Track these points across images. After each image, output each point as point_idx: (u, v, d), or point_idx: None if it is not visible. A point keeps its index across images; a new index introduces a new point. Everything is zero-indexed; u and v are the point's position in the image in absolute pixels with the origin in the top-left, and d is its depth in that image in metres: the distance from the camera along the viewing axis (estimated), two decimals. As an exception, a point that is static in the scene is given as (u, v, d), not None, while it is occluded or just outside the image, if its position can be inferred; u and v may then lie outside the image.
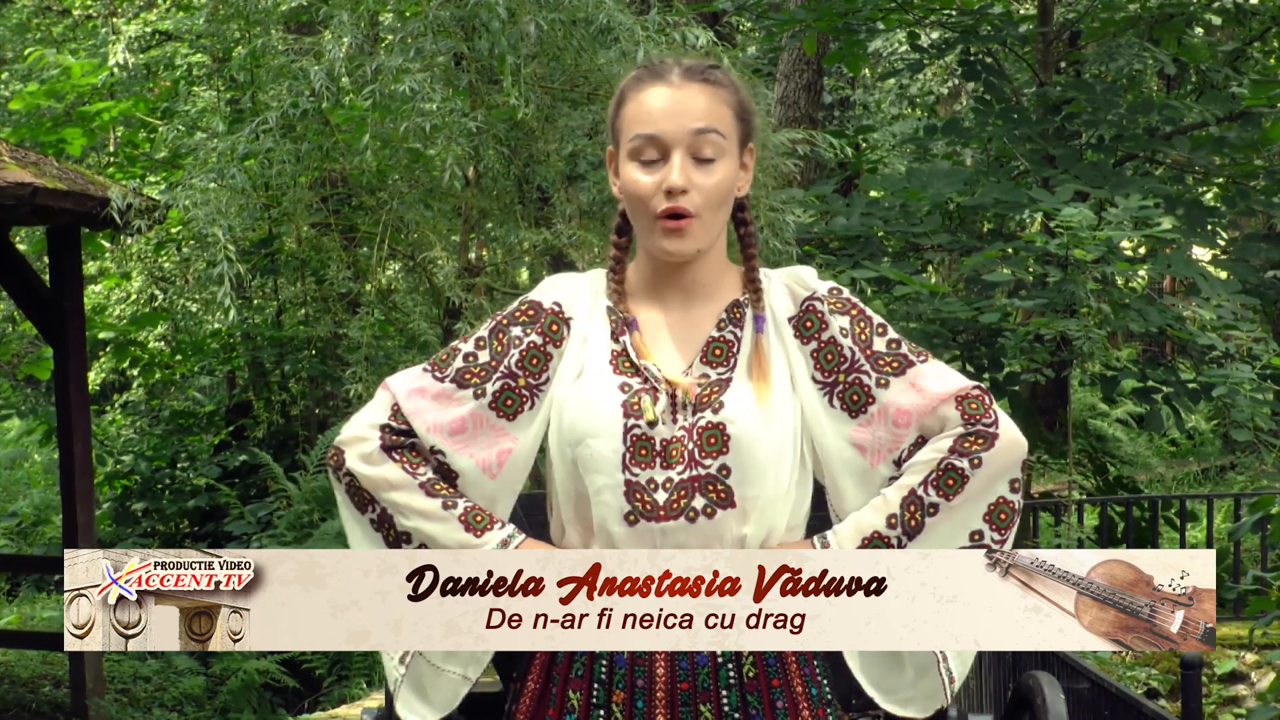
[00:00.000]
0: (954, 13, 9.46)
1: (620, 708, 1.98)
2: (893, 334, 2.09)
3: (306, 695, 7.45)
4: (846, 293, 2.11)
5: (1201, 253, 11.65)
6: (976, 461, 2.02)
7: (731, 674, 2.00)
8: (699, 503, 1.99)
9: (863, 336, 2.07)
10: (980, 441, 2.03)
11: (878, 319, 2.09)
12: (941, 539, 2.04)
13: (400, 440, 2.05)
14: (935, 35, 10.55)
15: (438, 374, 2.07)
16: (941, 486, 2.02)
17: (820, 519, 2.11)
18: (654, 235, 2.02)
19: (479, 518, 2.03)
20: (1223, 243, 9.61)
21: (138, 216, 6.17)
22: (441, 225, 7.46)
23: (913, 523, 2.02)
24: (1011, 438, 2.05)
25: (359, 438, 2.06)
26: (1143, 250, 8.43)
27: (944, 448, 2.03)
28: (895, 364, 2.06)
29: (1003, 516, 2.06)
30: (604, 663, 2.00)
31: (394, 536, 2.05)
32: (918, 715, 2.12)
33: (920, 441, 2.06)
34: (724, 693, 1.99)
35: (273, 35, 7.22)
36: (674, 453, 2.00)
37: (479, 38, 6.13)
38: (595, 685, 2.00)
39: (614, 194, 2.11)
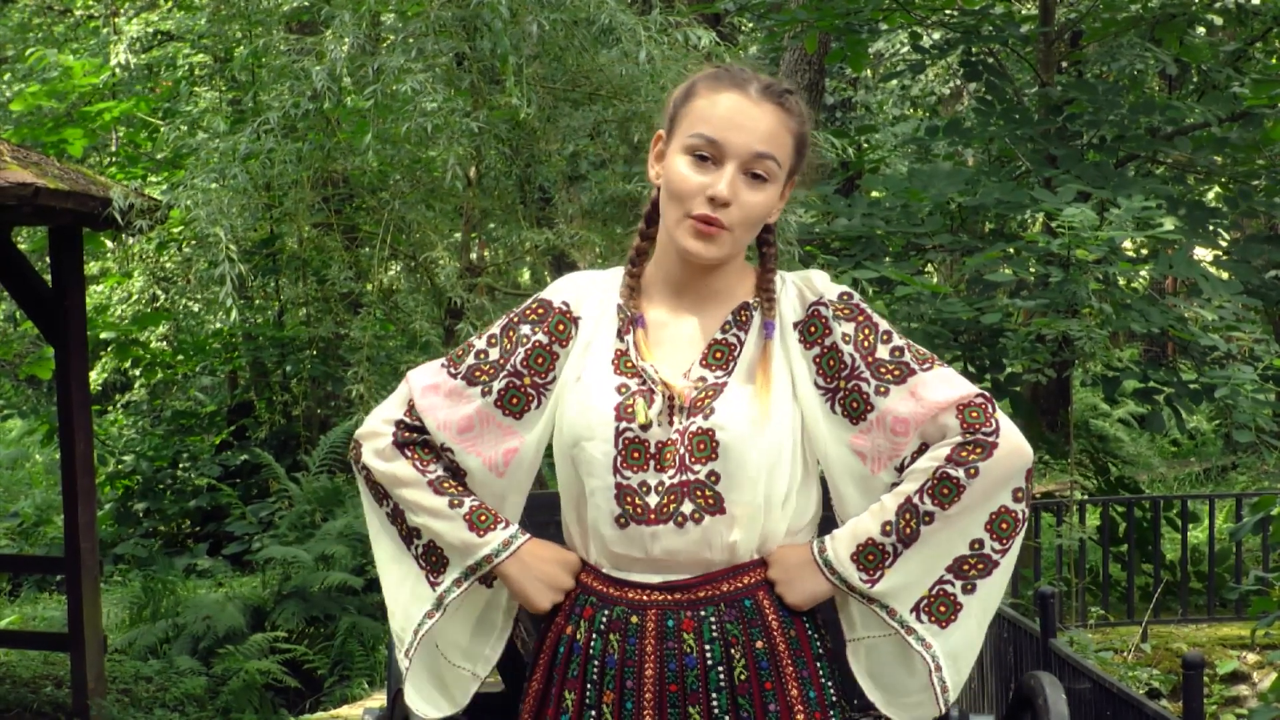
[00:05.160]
0: (955, 13, 9.45)
1: (610, 708, 1.98)
2: (898, 341, 2.06)
3: (308, 695, 7.45)
4: (857, 298, 2.09)
5: (1203, 253, 11.63)
6: (973, 471, 2.00)
7: (722, 677, 1.99)
8: (687, 508, 1.99)
9: (866, 343, 2.05)
10: (978, 451, 2.01)
11: (884, 325, 2.07)
12: (939, 547, 2.03)
13: (413, 437, 2.07)
14: (937, 36, 10.54)
15: (452, 370, 2.08)
16: (937, 495, 2.01)
17: (828, 520, 2.11)
18: (682, 231, 2.01)
19: (483, 517, 2.04)
20: (1224, 243, 9.59)
21: (139, 216, 6.17)
22: (443, 225, 7.45)
23: (908, 530, 2.01)
24: (1013, 446, 2.03)
25: (375, 432, 2.09)
26: (1144, 251, 8.41)
27: (941, 456, 2.02)
28: (896, 372, 2.04)
29: (1004, 526, 2.04)
30: (596, 663, 2.00)
31: (405, 531, 2.09)
32: None
33: (924, 449, 2.05)
34: (714, 695, 1.99)
35: (274, 35, 7.22)
36: (668, 456, 2.00)
37: (481, 38, 6.12)
38: (588, 685, 2.00)
39: (650, 178, 2.10)
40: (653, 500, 1.99)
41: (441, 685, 2.13)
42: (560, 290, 2.11)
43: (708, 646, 1.99)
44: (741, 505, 1.99)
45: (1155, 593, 8.11)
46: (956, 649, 2.05)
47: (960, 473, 2.00)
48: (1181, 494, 10.51)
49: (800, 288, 2.10)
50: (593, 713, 1.99)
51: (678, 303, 2.08)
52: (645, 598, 2.00)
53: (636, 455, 1.99)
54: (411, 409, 2.08)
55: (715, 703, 1.98)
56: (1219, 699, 7.74)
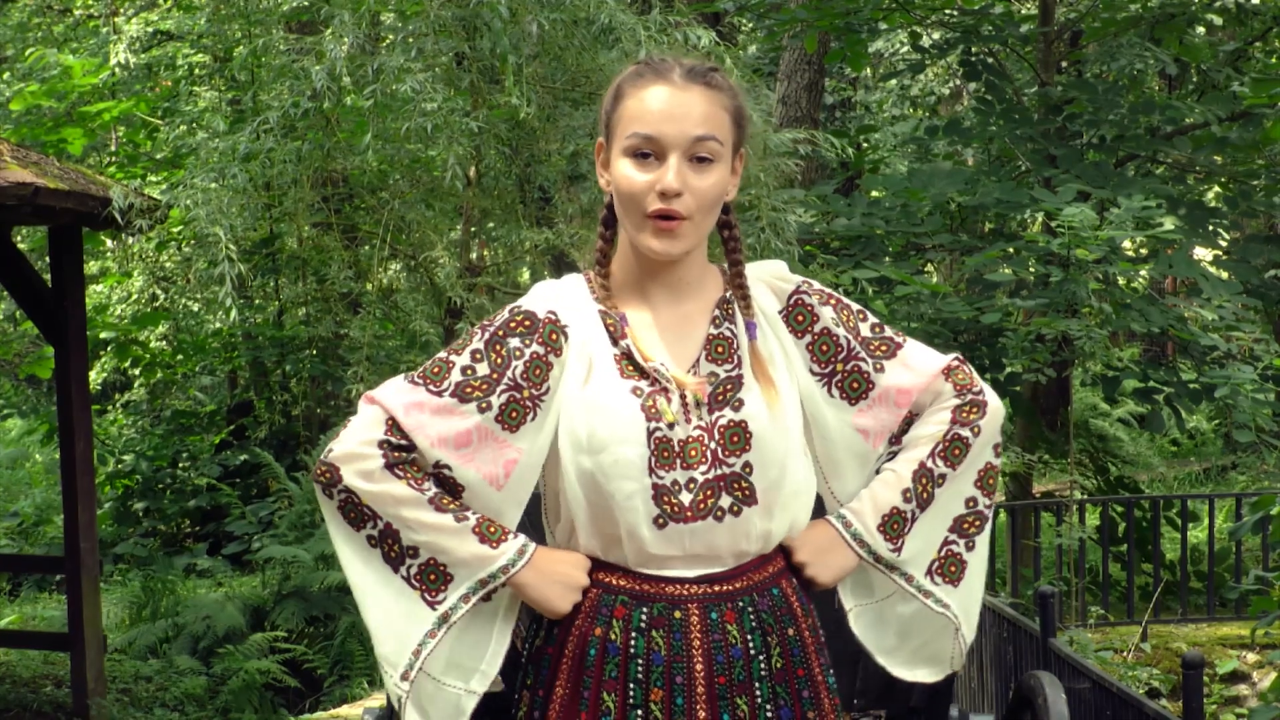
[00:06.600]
0: (955, 13, 9.46)
1: (659, 706, 1.97)
2: (872, 318, 2.15)
3: (308, 695, 7.45)
4: (817, 283, 2.15)
5: (1203, 253, 11.64)
6: (976, 430, 2.11)
7: (763, 666, 2.01)
8: (725, 501, 2.00)
9: (850, 324, 2.11)
10: (976, 410, 2.12)
11: (855, 305, 2.14)
12: (943, 509, 2.12)
13: (402, 456, 2.00)
14: (936, 35, 10.54)
15: (433, 388, 2.00)
16: (949, 457, 2.10)
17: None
18: (643, 233, 2.01)
19: (492, 529, 2.00)
20: (1224, 243, 9.60)
21: (139, 216, 6.17)
22: (443, 225, 7.46)
23: (924, 495, 2.10)
24: (996, 403, 2.15)
25: (357, 455, 1.99)
26: (1144, 251, 8.42)
27: (945, 420, 2.11)
28: (884, 347, 2.12)
29: (990, 481, 2.15)
30: (640, 662, 1.99)
31: (397, 551, 2.00)
32: (926, 679, 2.18)
33: (910, 417, 2.13)
34: (757, 685, 2.01)
35: (274, 35, 7.22)
36: (693, 452, 2.00)
37: (480, 37, 6.12)
38: (631, 685, 1.98)
39: (601, 186, 2.09)
40: (686, 498, 1.99)
41: (421, 710, 2.03)
42: (540, 301, 2.07)
43: (749, 636, 2.01)
44: (773, 494, 2.02)
45: (1155, 592, 8.11)
46: (968, 606, 2.15)
47: (967, 432, 2.11)
48: (1181, 494, 10.52)
49: (769, 281, 2.12)
50: (639, 712, 1.97)
51: (651, 299, 2.08)
52: (685, 591, 2.00)
53: (666, 454, 1.99)
54: (392, 428, 1.99)
55: (759, 692, 2.00)
56: (1219, 699, 7.74)
